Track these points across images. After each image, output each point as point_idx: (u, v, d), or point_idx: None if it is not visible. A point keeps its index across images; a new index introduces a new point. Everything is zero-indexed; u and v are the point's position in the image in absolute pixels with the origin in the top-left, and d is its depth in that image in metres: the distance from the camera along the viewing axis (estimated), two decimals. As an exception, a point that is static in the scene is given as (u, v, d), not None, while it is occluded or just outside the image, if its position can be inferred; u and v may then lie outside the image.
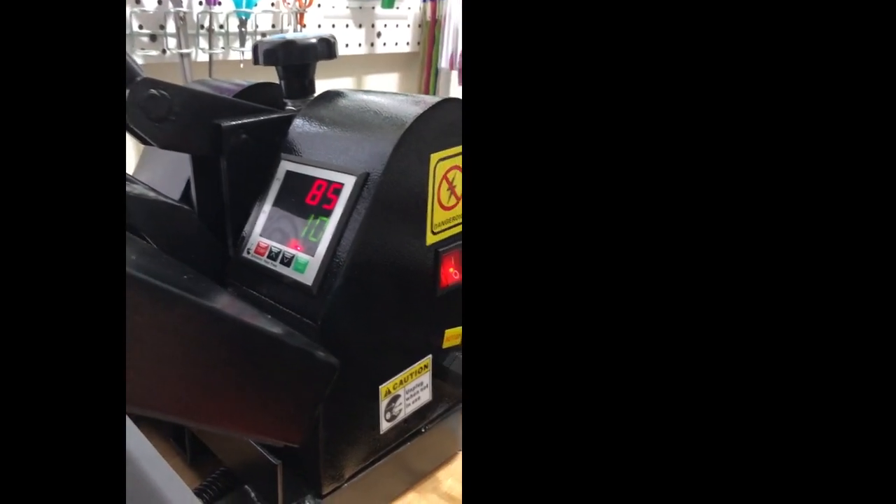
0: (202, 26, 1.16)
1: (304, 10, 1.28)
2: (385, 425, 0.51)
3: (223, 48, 1.21)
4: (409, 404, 0.53)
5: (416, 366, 0.52)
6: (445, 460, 0.61)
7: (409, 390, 0.52)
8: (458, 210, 0.51)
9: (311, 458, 0.47)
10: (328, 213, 0.45)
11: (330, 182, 0.46)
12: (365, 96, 0.52)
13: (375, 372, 0.49)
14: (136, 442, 0.34)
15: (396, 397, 0.51)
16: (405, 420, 0.53)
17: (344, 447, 0.48)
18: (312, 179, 0.47)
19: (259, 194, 0.51)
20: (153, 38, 1.11)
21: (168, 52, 1.13)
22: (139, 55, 1.10)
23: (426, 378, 0.54)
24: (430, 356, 0.54)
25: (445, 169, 0.48)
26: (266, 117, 0.53)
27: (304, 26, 1.31)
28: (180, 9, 1.10)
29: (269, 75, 0.58)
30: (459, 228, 0.51)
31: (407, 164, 0.45)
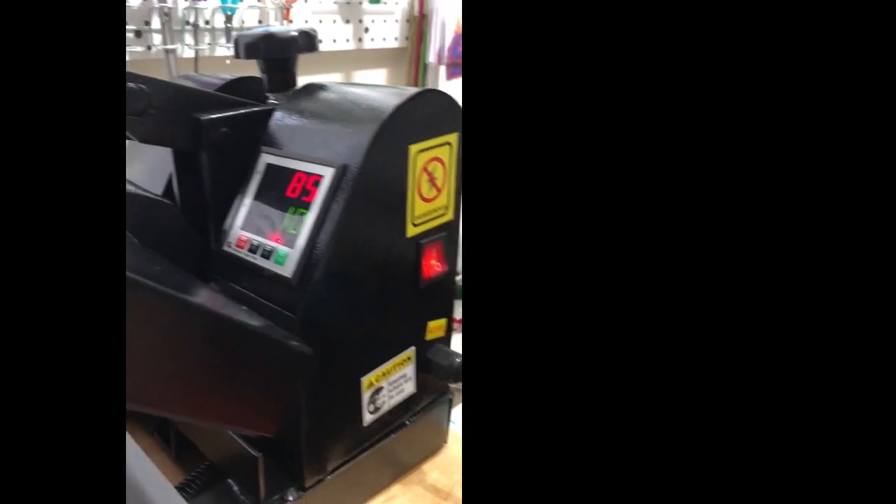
0: (188, 22, 1.16)
1: (290, 6, 1.28)
2: (368, 417, 0.51)
3: (209, 44, 1.20)
4: (393, 396, 0.53)
5: (399, 358, 0.52)
6: (431, 453, 0.61)
7: (392, 382, 0.52)
8: (440, 202, 0.51)
9: (293, 450, 0.47)
10: (308, 206, 0.44)
11: (310, 174, 0.46)
12: (345, 88, 0.52)
13: (358, 364, 0.49)
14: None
15: (379, 389, 0.51)
16: (389, 412, 0.53)
17: (326, 439, 0.49)
18: (292, 172, 0.47)
19: (240, 188, 0.50)
20: (138, 34, 1.11)
21: (153, 48, 1.12)
22: (124, 51, 1.09)
23: (409, 370, 0.54)
24: (413, 348, 0.54)
25: (425, 160, 0.48)
26: (247, 111, 0.52)
27: (291, 22, 1.30)
28: (165, 5, 1.10)
29: (255, 71, 0.58)
30: (441, 220, 0.51)
31: (386, 156, 0.45)
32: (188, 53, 1.17)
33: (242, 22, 1.24)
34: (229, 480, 0.50)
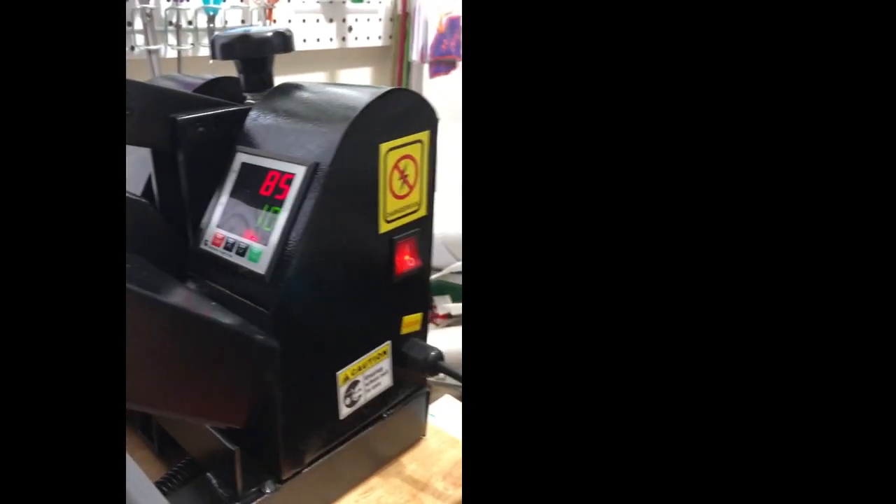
0: (170, 23, 1.16)
1: (273, 6, 1.28)
2: (345, 411, 0.52)
3: (192, 44, 1.21)
4: (370, 390, 0.54)
5: (375, 352, 0.54)
6: (409, 445, 0.62)
7: (368, 376, 0.53)
8: (412, 199, 0.52)
9: (269, 443, 0.48)
10: (281, 204, 0.45)
11: (283, 173, 0.46)
12: (318, 88, 0.53)
13: (333, 358, 0.50)
14: None
15: (356, 383, 0.52)
16: (366, 405, 0.54)
17: (303, 433, 0.49)
18: (266, 171, 0.48)
19: (217, 186, 0.51)
20: (120, 35, 1.11)
21: (136, 48, 1.13)
22: (106, 52, 1.09)
23: (386, 364, 0.55)
24: (389, 342, 0.55)
25: (396, 158, 0.49)
26: (223, 110, 0.53)
27: (274, 21, 1.31)
28: (147, 5, 1.10)
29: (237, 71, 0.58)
30: (414, 216, 0.52)
31: (356, 154, 0.46)
32: (171, 54, 1.18)
33: (225, 22, 1.24)
34: (208, 474, 0.50)
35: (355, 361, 0.52)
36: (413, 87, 1.63)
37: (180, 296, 0.42)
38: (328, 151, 0.44)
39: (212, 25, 1.21)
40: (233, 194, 0.50)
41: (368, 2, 1.49)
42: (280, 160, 0.47)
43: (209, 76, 0.59)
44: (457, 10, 1.54)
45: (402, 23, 1.54)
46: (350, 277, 0.49)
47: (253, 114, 0.52)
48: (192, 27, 1.20)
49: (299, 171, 0.45)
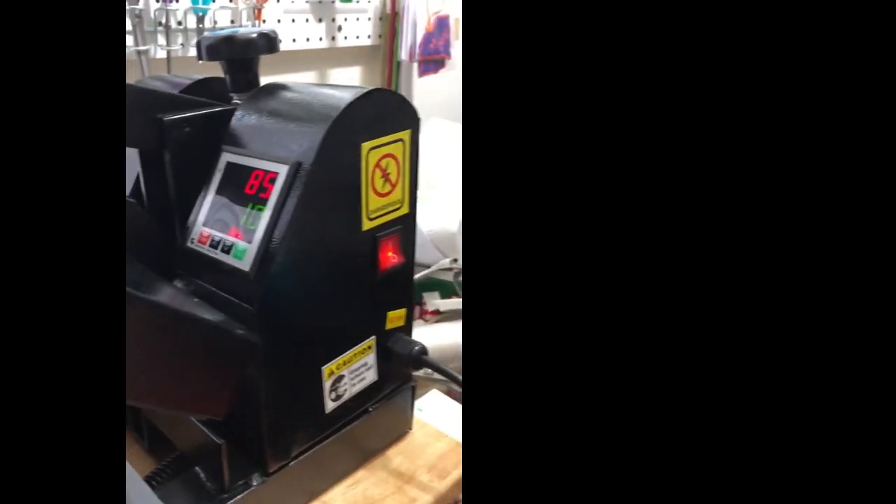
0: (160, 23, 1.17)
1: (262, 6, 1.29)
2: (330, 405, 0.53)
3: (181, 45, 1.21)
4: (355, 384, 0.55)
5: (360, 347, 0.55)
6: (395, 439, 0.63)
7: (353, 371, 0.55)
8: (395, 196, 0.53)
9: (255, 437, 0.49)
10: (265, 202, 0.46)
11: (266, 172, 0.47)
12: (303, 87, 0.54)
13: (318, 353, 0.51)
14: None
15: (341, 377, 0.53)
16: (352, 399, 0.56)
17: (289, 426, 0.51)
18: (251, 170, 0.49)
19: (203, 185, 0.52)
20: (110, 35, 1.12)
21: (125, 49, 1.13)
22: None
23: (370, 358, 0.56)
24: (373, 337, 0.56)
25: (378, 157, 0.50)
26: (209, 111, 0.54)
27: (264, 21, 1.32)
28: (136, 6, 1.11)
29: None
30: (397, 214, 0.53)
31: (338, 153, 0.47)
32: (161, 54, 1.18)
33: (215, 22, 1.25)
34: (196, 468, 0.51)
35: (340, 356, 0.53)
36: (403, 86, 1.64)
37: (164, 293, 0.43)
38: (310, 150, 0.45)
39: (201, 26, 1.21)
40: (218, 193, 0.51)
41: (357, 1, 1.50)
42: (264, 159, 0.48)
43: (198, 76, 0.60)
44: (445, 9, 1.55)
45: (390, 22, 1.55)
46: (334, 274, 0.50)
47: (238, 114, 0.53)
48: (181, 28, 1.20)
49: (282, 170, 0.46)
